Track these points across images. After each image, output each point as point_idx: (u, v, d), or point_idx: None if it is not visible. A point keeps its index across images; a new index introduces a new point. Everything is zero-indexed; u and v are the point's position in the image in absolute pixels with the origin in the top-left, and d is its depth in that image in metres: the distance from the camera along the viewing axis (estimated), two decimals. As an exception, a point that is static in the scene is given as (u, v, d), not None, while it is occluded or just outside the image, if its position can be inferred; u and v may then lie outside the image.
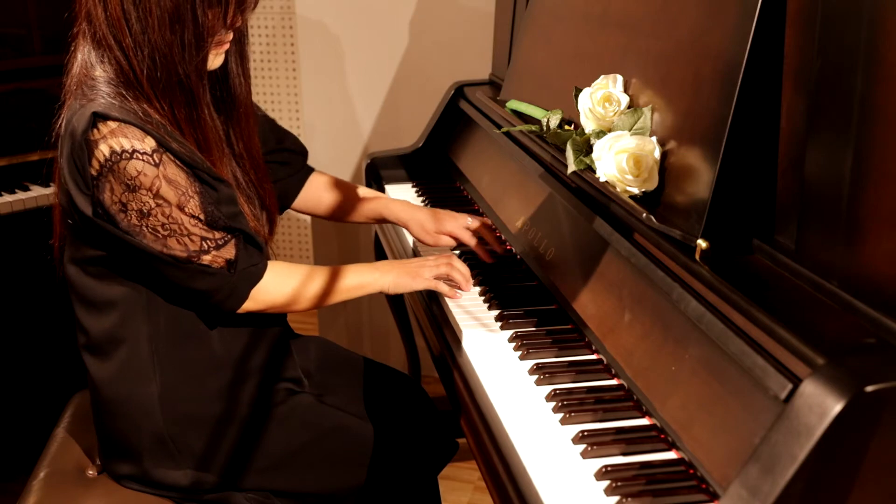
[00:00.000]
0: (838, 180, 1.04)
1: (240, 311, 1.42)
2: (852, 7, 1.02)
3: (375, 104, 2.82)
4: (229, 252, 1.37)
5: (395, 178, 2.28)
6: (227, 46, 1.41)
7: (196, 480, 1.42)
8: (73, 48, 1.39)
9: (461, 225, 1.71)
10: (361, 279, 1.52)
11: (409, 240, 1.90)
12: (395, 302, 2.34)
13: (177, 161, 1.31)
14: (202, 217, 1.33)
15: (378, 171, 2.28)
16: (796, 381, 0.93)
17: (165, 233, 1.31)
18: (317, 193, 1.79)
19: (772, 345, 0.99)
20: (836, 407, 0.86)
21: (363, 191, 1.82)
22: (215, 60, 1.40)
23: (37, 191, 2.42)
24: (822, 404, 0.87)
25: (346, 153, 2.90)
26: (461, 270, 1.55)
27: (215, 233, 1.35)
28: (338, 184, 1.81)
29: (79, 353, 1.46)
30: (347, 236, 2.93)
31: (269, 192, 1.57)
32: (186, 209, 1.31)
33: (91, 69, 1.34)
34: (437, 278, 1.53)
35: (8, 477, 2.43)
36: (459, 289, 1.55)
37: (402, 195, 2.17)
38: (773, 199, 1.19)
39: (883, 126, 0.98)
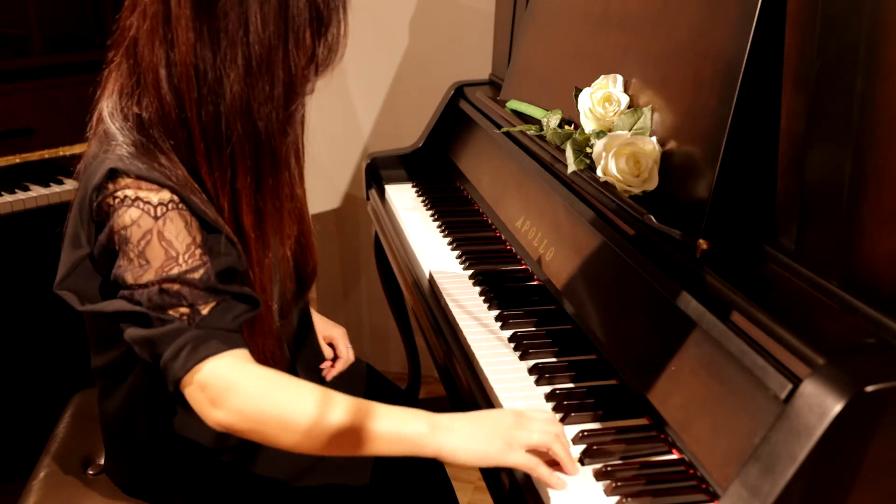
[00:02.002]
0: (838, 180, 1.04)
1: (203, 414, 1.14)
2: (852, 7, 1.02)
3: (375, 104, 2.82)
4: (204, 307, 1.15)
5: (395, 178, 2.28)
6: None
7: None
8: (103, 79, 1.23)
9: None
10: (400, 427, 1.10)
11: (410, 241, 1.90)
12: (395, 302, 2.34)
13: (191, 219, 1.14)
14: (185, 277, 1.14)
15: (378, 171, 2.28)
16: (796, 381, 0.93)
17: (137, 292, 1.15)
18: None
19: (772, 345, 1.00)
20: (836, 407, 0.86)
21: None
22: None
23: (37, 191, 2.42)
24: (822, 404, 0.87)
25: (346, 153, 2.90)
26: (566, 446, 1.11)
27: (194, 290, 1.15)
28: None
29: (79, 355, 1.46)
30: (348, 235, 2.93)
31: (310, 251, 1.41)
32: (167, 273, 1.13)
33: (120, 112, 1.19)
34: (534, 451, 1.10)
35: (8, 477, 2.43)
36: (562, 472, 1.10)
37: (402, 195, 2.17)
38: (773, 199, 1.19)
39: (883, 126, 0.98)
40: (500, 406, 1.26)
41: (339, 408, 1.11)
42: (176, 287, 1.14)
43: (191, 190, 1.15)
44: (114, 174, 1.14)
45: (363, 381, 1.60)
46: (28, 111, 2.44)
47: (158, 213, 1.13)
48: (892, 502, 0.92)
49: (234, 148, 1.15)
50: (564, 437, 1.13)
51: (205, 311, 1.15)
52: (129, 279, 1.15)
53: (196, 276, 1.14)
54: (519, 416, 1.12)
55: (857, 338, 0.99)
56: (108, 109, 1.20)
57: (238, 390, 1.12)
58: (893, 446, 0.89)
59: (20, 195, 2.40)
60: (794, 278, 1.13)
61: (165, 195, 1.14)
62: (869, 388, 0.86)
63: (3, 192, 2.39)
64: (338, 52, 1.18)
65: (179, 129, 1.16)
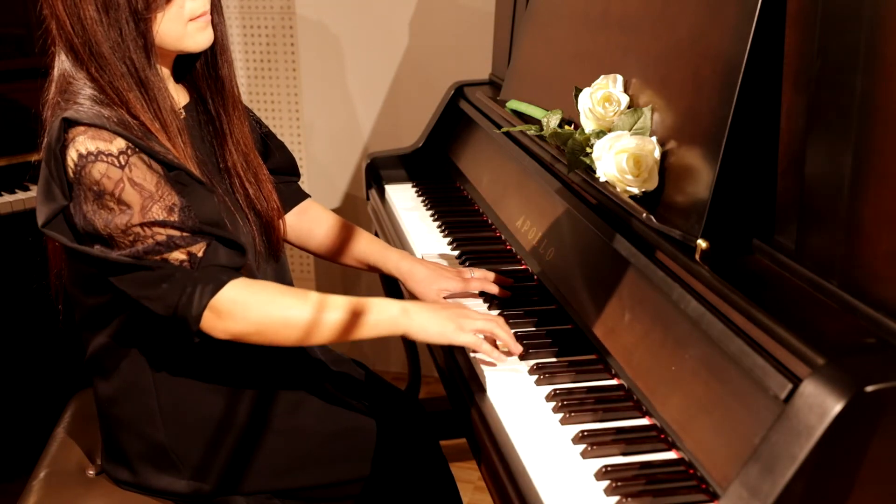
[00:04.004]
0: (838, 180, 1.04)
1: (211, 329, 1.28)
2: (852, 7, 1.02)
3: (375, 104, 2.82)
4: (197, 248, 1.28)
5: (395, 178, 2.28)
6: (206, 18, 1.34)
7: (197, 489, 1.42)
8: (50, 66, 1.35)
9: (459, 286, 1.56)
10: (378, 315, 1.32)
11: (410, 240, 1.90)
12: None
13: (150, 160, 1.26)
14: (168, 220, 1.26)
15: (378, 171, 2.28)
16: (796, 381, 0.93)
17: (129, 238, 1.26)
18: (309, 227, 1.69)
19: (772, 345, 1.00)
20: (836, 407, 0.86)
21: (360, 233, 1.68)
22: (201, 37, 1.35)
23: (37, 191, 2.41)
24: (822, 404, 0.87)
25: (346, 153, 2.90)
26: (507, 332, 1.36)
27: (184, 233, 1.27)
28: (335, 222, 1.69)
29: (78, 355, 1.46)
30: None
31: (265, 194, 1.48)
32: (150, 214, 1.25)
33: (68, 82, 1.31)
34: (480, 333, 1.35)
35: (8, 477, 2.43)
36: (506, 353, 1.36)
37: (402, 195, 2.17)
38: (773, 199, 1.19)
39: (883, 126, 0.98)
40: (500, 410, 1.26)
41: (329, 306, 1.31)
42: (164, 232, 1.26)
43: (137, 133, 1.27)
44: (67, 123, 1.26)
45: (362, 384, 1.59)
46: (28, 111, 2.44)
47: (122, 162, 1.25)
48: (893, 502, 0.92)
49: (120, 82, 1.29)
50: (505, 325, 1.37)
51: (200, 253, 1.28)
52: (119, 226, 1.25)
53: (174, 217, 1.26)
54: (466, 308, 1.39)
55: (857, 338, 0.99)
56: (65, 77, 1.32)
57: (246, 304, 1.28)
58: (893, 446, 0.89)
59: (20, 195, 2.40)
60: (794, 278, 1.13)
61: (121, 143, 1.26)
62: (869, 388, 0.86)
63: (3, 192, 2.39)
64: None
65: (98, 82, 1.30)
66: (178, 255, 1.27)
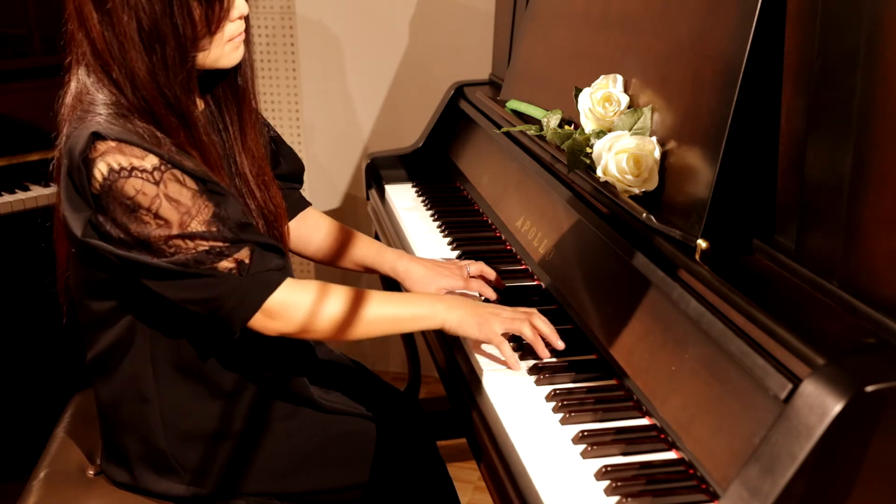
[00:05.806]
0: (838, 180, 1.04)
1: (262, 328, 1.32)
2: (852, 7, 1.02)
3: (375, 104, 2.82)
4: (243, 255, 1.28)
5: (395, 178, 2.28)
6: (242, 36, 1.34)
7: (196, 493, 1.42)
8: (67, 77, 1.33)
9: (459, 285, 1.57)
10: (418, 310, 1.38)
11: (410, 240, 1.91)
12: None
13: (183, 176, 1.25)
14: (209, 232, 1.26)
15: (378, 171, 2.28)
16: (796, 381, 0.93)
17: (170, 250, 1.25)
18: (307, 233, 1.69)
19: (772, 345, 1.00)
20: (836, 407, 0.86)
21: (357, 236, 1.69)
22: (235, 55, 1.34)
23: (37, 191, 2.41)
24: (822, 404, 0.87)
25: (346, 153, 2.90)
26: (541, 328, 1.36)
27: (226, 242, 1.27)
28: (332, 227, 1.70)
29: (79, 355, 1.46)
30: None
31: (274, 200, 1.48)
32: (189, 228, 1.25)
33: (87, 95, 1.29)
34: (508, 333, 1.37)
35: (8, 477, 2.43)
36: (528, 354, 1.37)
37: (402, 195, 2.17)
38: (773, 199, 1.19)
39: (883, 126, 0.98)
40: (500, 410, 1.26)
41: (371, 302, 1.35)
42: (206, 244, 1.26)
43: (167, 148, 1.26)
44: (96, 138, 1.23)
45: (361, 386, 1.59)
46: (28, 111, 2.44)
47: (157, 178, 1.24)
48: (893, 502, 0.92)
49: (159, 113, 1.27)
50: (539, 318, 1.37)
51: (247, 260, 1.29)
52: (160, 237, 1.24)
53: (214, 229, 1.26)
54: (497, 306, 1.41)
55: (857, 338, 0.99)
56: (85, 91, 1.30)
57: (296, 306, 1.32)
58: (893, 446, 0.89)
59: (20, 195, 2.40)
60: (794, 278, 1.13)
61: (154, 159, 1.24)
62: (869, 388, 0.86)
63: (3, 192, 2.39)
64: (224, 5, 1.28)
65: (128, 107, 1.28)
66: (226, 264, 1.27)
